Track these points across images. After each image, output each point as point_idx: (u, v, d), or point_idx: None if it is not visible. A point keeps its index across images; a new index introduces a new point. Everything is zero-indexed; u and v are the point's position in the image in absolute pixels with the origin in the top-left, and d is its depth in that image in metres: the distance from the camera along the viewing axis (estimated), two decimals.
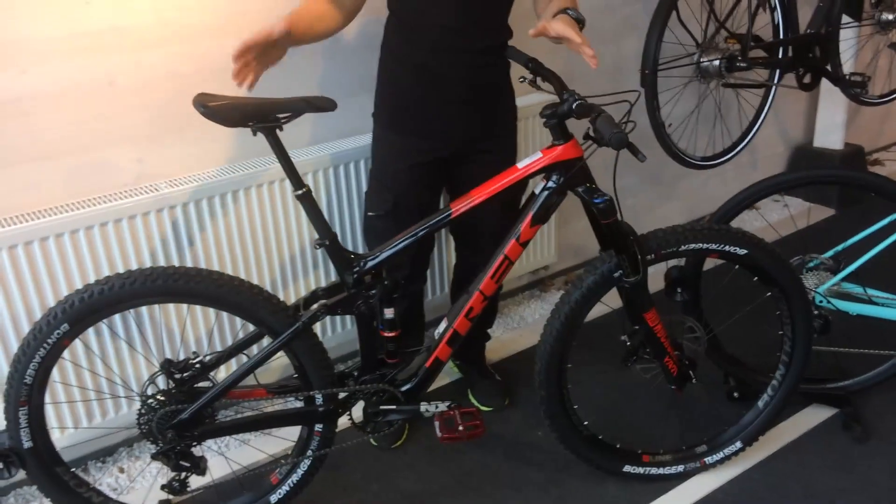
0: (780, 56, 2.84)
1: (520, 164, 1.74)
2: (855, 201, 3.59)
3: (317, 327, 2.30)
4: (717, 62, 2.62)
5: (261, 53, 1.68)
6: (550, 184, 1.74)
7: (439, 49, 1.89)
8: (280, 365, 2.18)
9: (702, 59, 2.65)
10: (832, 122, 3.65)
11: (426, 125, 1.98)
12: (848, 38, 3.21)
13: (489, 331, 2.46)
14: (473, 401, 2.38)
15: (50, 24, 1.85)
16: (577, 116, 1.63)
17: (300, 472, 1.86)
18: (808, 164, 3.77)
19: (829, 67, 2.96)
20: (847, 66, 3.22)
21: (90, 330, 1.96)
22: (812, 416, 2.24)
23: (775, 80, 2.89)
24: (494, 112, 2.04)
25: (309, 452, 1.84)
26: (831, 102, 3.61)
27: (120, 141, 2.03)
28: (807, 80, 2.95)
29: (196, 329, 2.15)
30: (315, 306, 1.72)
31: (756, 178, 2.22)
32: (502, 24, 1.98)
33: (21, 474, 1.71)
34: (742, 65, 2.63)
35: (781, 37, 2.84)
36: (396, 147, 2.01)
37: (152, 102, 2.03)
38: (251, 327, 1.76)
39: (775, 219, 3.52)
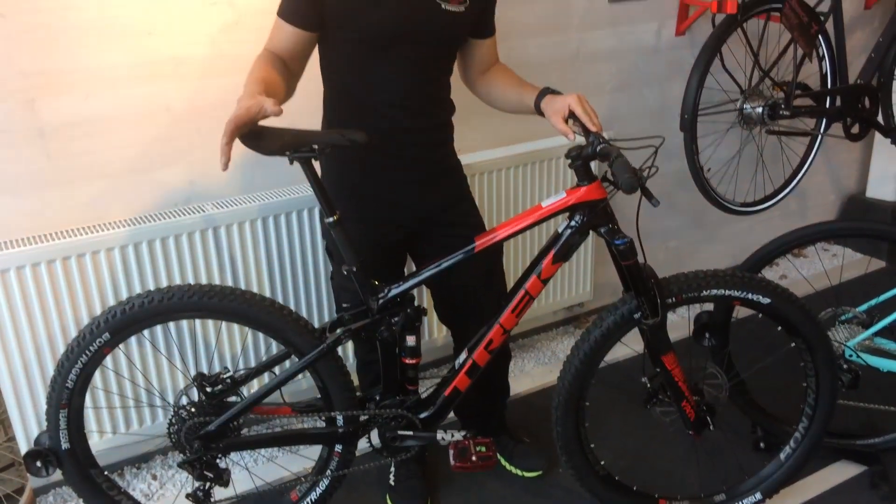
0: (827, 105, 2.83)
1: (544, 203, 1.78)
2: None
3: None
4: (759, 109, 2.63)
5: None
6: (573, 223, 1.77)
7: (384, 126, 1.83)
8: (312, 386, 2.25)
9: (744, 106, 2.66)
10: (885, 172, 3.59)
11: (381, 207, 1.92)
12: None
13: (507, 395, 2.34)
14: (515, 469, 2.27)
15: (114, 53, 1.99)
16: (600, 159, 1.68)
17: (319, 490, 1.92)
18: (859, 214, 3.70)
19: (879, 119, 2.93)
20: None
21: (132, 340, 2.08)
22: (839, 472, 2.20)
23: (821, 130, 2.88)
24: (444, 186, 1.98)
25: (328, 472, 1.90)
26: (885, 152, 3.55)
27: (174, 163, 2.16)
28: (855, 129, 2.92)
29: (233, 345, 2.25)
30: (340, 330, 1.79)
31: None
32: (445, 98, 1.94)
33: (58, 474, 1.82)
34: (785, 113, 2.63)
35: (829, 86, 2.83)
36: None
37: (204, 128, 2.16)
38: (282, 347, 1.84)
39: (820, 269, 3.46)
